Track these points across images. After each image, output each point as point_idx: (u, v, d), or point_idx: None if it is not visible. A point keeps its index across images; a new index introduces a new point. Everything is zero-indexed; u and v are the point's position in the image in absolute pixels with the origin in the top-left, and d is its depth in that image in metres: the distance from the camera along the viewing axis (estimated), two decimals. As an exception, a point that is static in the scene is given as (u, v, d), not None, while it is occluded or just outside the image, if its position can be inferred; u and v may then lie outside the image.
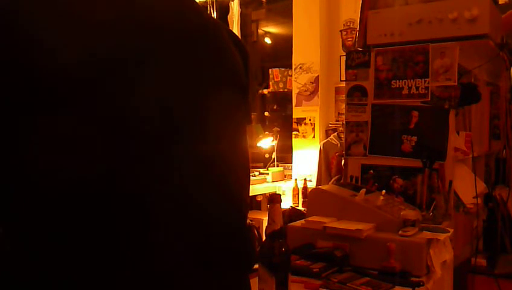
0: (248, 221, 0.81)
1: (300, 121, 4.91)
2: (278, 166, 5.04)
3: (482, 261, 2.21)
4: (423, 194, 1.92)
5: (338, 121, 4.67)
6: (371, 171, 2.07)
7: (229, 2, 5.56)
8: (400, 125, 2.01)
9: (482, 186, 2.22)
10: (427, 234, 1.56)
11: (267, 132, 5.02)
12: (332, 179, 3.87)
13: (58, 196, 0.57)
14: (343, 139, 2.56)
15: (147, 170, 0.63)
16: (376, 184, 2.02)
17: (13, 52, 0.56)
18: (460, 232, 1.97)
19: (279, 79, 5.32)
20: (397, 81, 2.02)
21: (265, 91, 5.61)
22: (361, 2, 2.18)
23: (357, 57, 2.13)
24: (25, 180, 0.57)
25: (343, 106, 2.30)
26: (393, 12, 2.11)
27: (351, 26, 4.71)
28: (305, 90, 4.87)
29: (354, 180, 2.10)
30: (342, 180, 2.44)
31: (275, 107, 6.01)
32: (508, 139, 2.59)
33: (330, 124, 4.72)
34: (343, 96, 2.66)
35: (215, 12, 5.44)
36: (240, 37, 1.50)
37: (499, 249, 2.34)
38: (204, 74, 0.73)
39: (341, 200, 1.72)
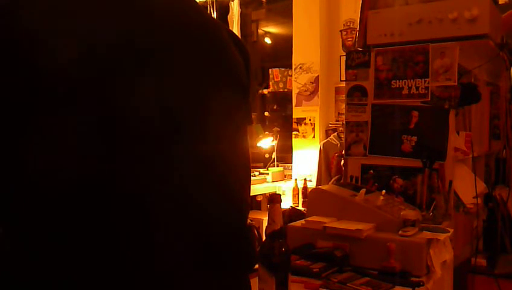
0: (248, 221, 0.81)
1: (300, 121, 4.91)
2: (278, 166, 5.04)
3: (482, 261, 2.20)
4: (423, 194, 1.92)
5: (338, 121, 4.67)
6: (371, 171, 2.07)
7: (229, 2, 5.55)
8: (400, 125, 2.01)
9: (482, 186, 2.22)
10: (427, 234, 1.56)
11: (267, 132, 5.02)
12: (332, 179, 3.86)
13: (58, 196, 0.57)
14: (343, 139, 2.56)
15: (147, 170, 0.63)
16: (376, 184, 2.01)
17: (13, 52, 0.56)
18: (460, 232, 1.97)
19: (279, 79, 5.32)
20: (397, 81, 2.02)
21: (265, 91, 5.61)
22: (361, 2, 2.17)
23: (357, 57, 2.12)
24: (25, 180, 0.57)
25: (343, 106, 2.30)
26: (393, 12, 2.11)
27: (351, 26, 4.71)
28: (305, 90, 4.86)
29: (354, 180, 2.10)
30: (342, 180, 2.44)
31: (275, 107, 6.01)
32: (508, 139, 2.59)
33: (330, 124, 4.72)
34: (343, 96, 2.66)
35: (215, 12, 5.43)
36: (239, 37, 1.50)
37: (499, 249, 2.33)
38: (205, 74, 0.73)
39: (341, 200, 1.72)
